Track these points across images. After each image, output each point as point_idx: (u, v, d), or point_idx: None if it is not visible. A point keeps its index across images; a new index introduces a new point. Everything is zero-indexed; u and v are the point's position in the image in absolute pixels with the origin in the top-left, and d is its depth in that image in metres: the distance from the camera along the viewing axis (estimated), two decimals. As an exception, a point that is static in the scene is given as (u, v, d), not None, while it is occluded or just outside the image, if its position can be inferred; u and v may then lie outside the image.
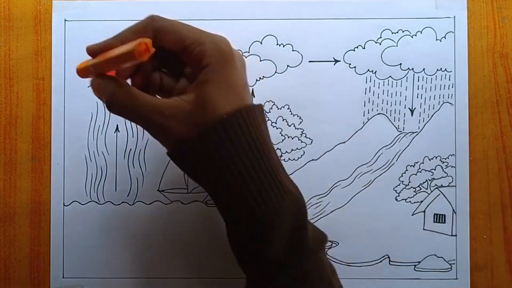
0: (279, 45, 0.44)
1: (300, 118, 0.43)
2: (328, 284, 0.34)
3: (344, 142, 0.44)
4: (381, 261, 0.43)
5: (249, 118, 0.31)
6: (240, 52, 0.43)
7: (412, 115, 0.44)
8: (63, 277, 0.43)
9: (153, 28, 0.32)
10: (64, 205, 0.43)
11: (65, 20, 0.43)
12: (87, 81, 0.43)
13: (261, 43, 0.44)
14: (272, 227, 0.31)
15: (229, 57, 0.31)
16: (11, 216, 0.43)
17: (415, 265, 0.43)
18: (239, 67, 0.32)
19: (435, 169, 0.44)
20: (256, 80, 0.43)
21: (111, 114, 0.43)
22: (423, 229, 0.43)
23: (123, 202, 0.43)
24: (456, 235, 0.43)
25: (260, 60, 0.43)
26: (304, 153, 0.44)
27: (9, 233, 0.43)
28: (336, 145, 0.44)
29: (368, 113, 0.44)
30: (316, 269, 0.33)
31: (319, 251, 0.34)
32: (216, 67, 0.31)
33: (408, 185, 0.43)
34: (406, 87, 0.44)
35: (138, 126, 0.43)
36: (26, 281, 0.43)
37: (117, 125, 0.44)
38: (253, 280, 0.34)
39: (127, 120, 0.43)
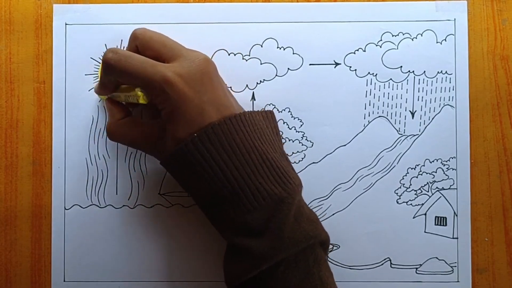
0: (280, 48, 0.44)
1: (300, 121, 0.43)
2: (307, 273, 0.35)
3: (344, 145, 0.44)
4: (382, 264, 0.43)
5: (205, 142, 0.34)
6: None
7: (412, 118, 0.44)
8: (64, 281, 0.43)
9: (114, 67, 0.35)
10: (65, 208, 0.43)
11: (66, 24, 0.43)
12: (88, 85, 0.44)
13: (261, 46, 0.44)
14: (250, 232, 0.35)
15: (178, 101, 0.34)
16: (12, 219, 0.43)
17: (416, 268, 0.43)
18: (193, 97, 0.34)
19: (436, 172, 0.43)
20: (257, 83, 0.43)
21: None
22: (424, 231, 0.43)
23: (124, 205, 0.43)
24: (457, 238, 0.43)
25: (261, 63, 0.43)
26: (305, 156, 0.44)
27: (10, 236, 0.43)
28: (336, 148, 0.44)
29: (369, 115, 0.44)
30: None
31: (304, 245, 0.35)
32: (167, 111, 0.35)
33: (409, 187, 0.43)
34: (407, 89, 0.44)
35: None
36: (27, 285, 0.43)
37: (118, 129, 0.43)
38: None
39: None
